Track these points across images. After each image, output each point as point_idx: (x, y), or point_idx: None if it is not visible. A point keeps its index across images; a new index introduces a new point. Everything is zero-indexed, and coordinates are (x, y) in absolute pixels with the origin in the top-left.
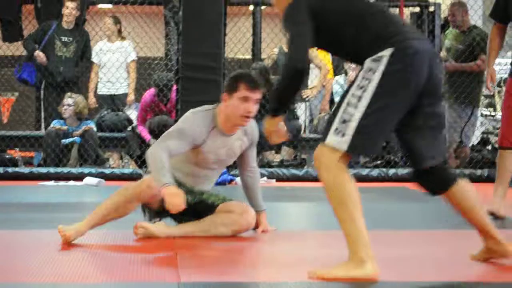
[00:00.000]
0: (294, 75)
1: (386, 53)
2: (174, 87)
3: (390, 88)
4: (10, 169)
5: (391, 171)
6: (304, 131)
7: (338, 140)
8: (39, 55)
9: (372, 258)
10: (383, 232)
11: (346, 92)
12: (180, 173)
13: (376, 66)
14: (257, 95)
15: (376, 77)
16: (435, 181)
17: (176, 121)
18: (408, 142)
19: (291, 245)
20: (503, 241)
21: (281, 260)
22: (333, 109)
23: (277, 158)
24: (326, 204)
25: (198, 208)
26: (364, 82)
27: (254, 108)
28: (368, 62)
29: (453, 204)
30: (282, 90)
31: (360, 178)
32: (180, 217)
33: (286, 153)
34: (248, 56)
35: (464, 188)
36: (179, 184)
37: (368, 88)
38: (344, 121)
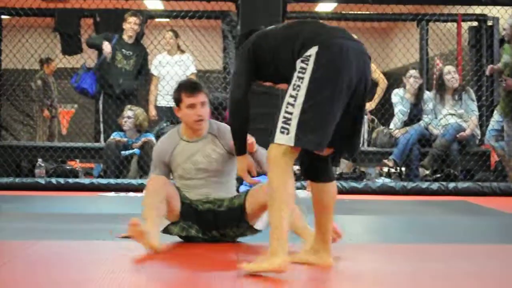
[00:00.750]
0: (236, 103)
1: (313, 51)
2: None
3: (321, 82)
4: (71, 180)
5: (451, 185)
6: (363, 144)
7: (285, 138)
8: (107, 46)
9: (285, 250)
10: (443, 246)
11: (285, 94)
12: (186, 193)
13: (306, 65)
14: (200, 98)
15: (307, 75)
16: (316, 169)
17: None
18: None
19: (349, 258)
20: (329, 251)
21: (338, 274)
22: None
23: (336, 171)
24: (386, 217)
25: (227, 216)
26: (298, 82)
27: (202, 110)
28: (299, 63)
29: (314, 195)
30: (233, 124)
31: (420, 192)
32: (205, 227)
33: (345, 166)
34: None
35: (330, 188)
36: (191, 202)
37: (301, 86)
38: (286, 120)
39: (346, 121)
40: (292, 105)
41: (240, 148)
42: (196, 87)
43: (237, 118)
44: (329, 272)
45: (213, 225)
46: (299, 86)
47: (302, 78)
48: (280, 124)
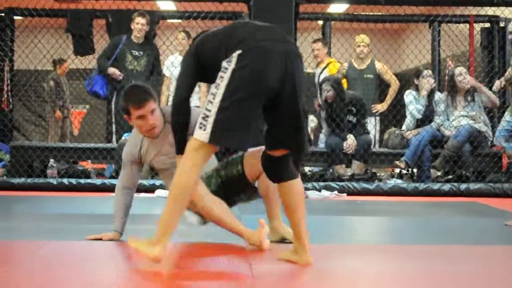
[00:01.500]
0: (178, 102)
1: (235, 54)
2: None
3: (239, 84)
4: (82, 181)
5: (463, 186)
6: (374, 145)
7: (201, 133)
8: (115, 72)
9: (164, 243)
10: (454, 247)
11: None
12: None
13: (228, 65)
14: (148, 108)
15: (227, 75)
16: (275, 170)
17: None
18: (268, 126)
19: (362, 259)
20: (306, 249)
21: (352, 275)
22: None
23: (347, 172)
24: (398, 219)
25: (230, 184)
26: (219, 81)
27: (152, 118)
28: (223, 63)
29: (280, 197)
30: (174, 122)
31: (431, 193)
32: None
33: (356, 167)
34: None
35: (294, 187)
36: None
37: (220, 85)
38: (205, 117)
39: (284, 121)
40: (211, 102)
41: (181, 147)
42: (143, 99)
43: (179, 116)
44: (340, 272)
45: (223, 197)
46: (219, 85)
47: (223, 77)
48: (200, 119)
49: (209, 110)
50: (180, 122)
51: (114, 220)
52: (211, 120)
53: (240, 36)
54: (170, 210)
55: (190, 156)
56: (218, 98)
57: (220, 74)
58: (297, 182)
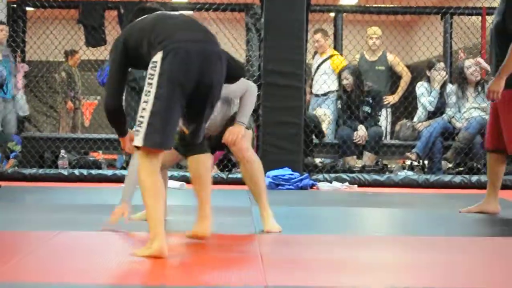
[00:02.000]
0: (108, 113)
1: (158, 57)
2: None
3: (166, 88)
4: (93, 171)
5: (474, 178)
6: (386, 137)
7: (137, 139)
8: None
9: (161, 236)
10: (465, 239)
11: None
12: None
13: (154, 71)
14: None
15: (154, 81)
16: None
17: (258, 125)
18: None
19: (372, 250)
20: (205, 220)
21: (363, 265)
22: None
23: (358, 163)
24: (409, 210)
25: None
26: (148, 88)
27: None
28: (149, 69)
29: (190, 171)
30: (110, 122)
31: (442, 185)
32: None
33: (367, 158)
34: None
35: (200, 160)
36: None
37: (151, 92)
38: (139, 124)
39: (192, 112)
40: (145, 109)
41: (120, 132)
42: None
43: (112, 120)
44: (350, 262)
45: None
46: (149, 91)
47: (151, 84)
48: (136, 126)
49: (143, 117)
50: (117, 127)
51: (124, 192)
52: (144, 125)
53: (161, 34)
54: (149, 207)
55: (141, 164)
56: (150, 103)
57: (148, 81)
58: (206, 156)
